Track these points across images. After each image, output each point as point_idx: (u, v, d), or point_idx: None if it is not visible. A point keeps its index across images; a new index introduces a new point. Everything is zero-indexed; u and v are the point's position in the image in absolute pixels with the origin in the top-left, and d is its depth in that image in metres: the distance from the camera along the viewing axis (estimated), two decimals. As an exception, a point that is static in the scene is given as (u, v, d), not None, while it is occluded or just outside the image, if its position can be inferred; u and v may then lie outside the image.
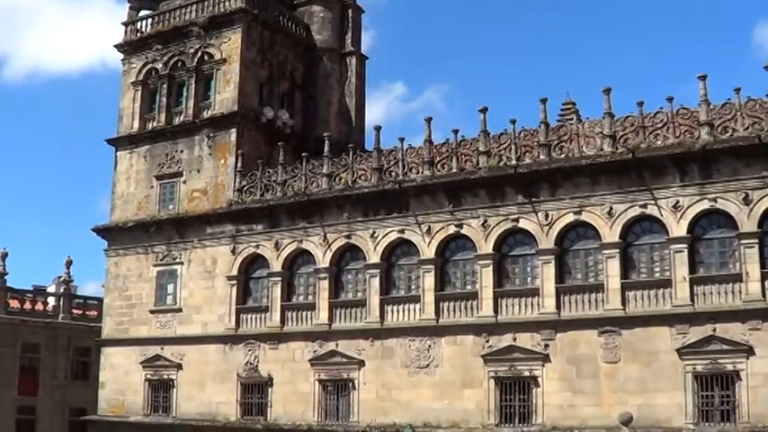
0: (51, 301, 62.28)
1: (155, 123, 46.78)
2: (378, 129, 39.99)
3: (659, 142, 33.25)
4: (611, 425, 30.95)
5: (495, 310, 35.18)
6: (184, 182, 44.59)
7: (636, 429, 29.98)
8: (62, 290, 62.23)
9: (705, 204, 32.10)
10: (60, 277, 63.59)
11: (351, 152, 40.09)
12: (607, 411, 32.25)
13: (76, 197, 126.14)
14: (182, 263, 43.64)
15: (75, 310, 61.90)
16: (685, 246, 32.28)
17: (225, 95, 44.34)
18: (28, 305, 60.49)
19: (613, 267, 33.33)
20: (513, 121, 36.30)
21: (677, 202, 32.42)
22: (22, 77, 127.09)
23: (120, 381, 44.87)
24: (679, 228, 32.33)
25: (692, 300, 31.95)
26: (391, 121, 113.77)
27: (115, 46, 49.00)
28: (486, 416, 34.59)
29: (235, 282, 41.59)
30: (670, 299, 32.37)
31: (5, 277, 58.91)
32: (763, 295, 30.88)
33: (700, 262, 32.44)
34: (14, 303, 59.63)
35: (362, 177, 39.22)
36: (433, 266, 36.65)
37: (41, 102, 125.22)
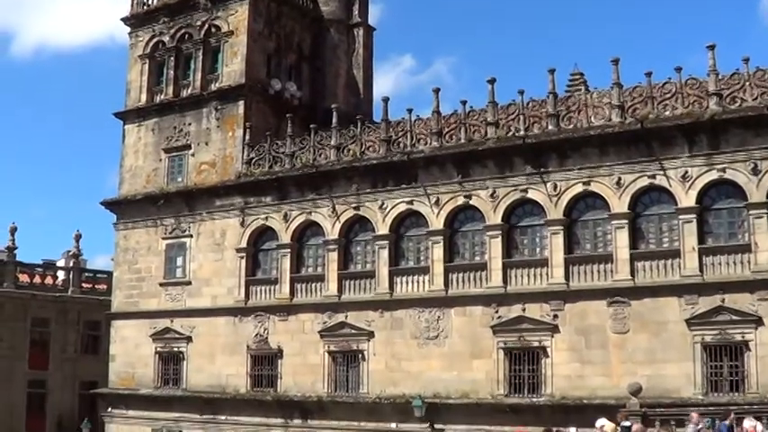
0: (61, 275, 62.50)
1: (162, 96, 46.69)
2: (386, 100, 39.83)
3: (668, 112, 33.13)
4: (621, 395, 30.87)
5: (504, 281, 35.21)
6: (192, 154, 44.54)
7: (645, 399, 29.87)
8: (72, 264, 62.36)
9: (714, 175, 32.00)
10: (70, 251, 63.72)
11: (359, 124, 39.98)
12: (616, 382, 32.28)
13: (85, 171, 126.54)
14: (191, 235, 43.67)
15: (84, 284, 62.06)
16: (694, 216, 32.20)
17: (232, 68, 44.23)
18: (38, 279, 60.76)
19: (622, 238, 33.28)
20: (522, 92, 36.18)
21: (686, 172, 32.33)
22: (29, 53, 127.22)
23: (131, 354, 45.06)
24: (688, 198, 32.25)
25: (701, 270, 31.90)
26: (400, 93, 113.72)
27: (122, 19, 48.86)
28: (495, 386, 34.69)
29: (244, 254, 41.61)
30: (679, 269, 32.32)
31: (15, 252, 59.07)
32: (772, 265, 30.83)
33: (708, 232, 32.39)
34: (24, 278, 59.84)
35: (371, 149, 39.16)
36: (441, 237, 36.62)
37: (49, 77, 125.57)
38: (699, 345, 31.46)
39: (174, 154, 45.32)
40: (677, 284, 32.16)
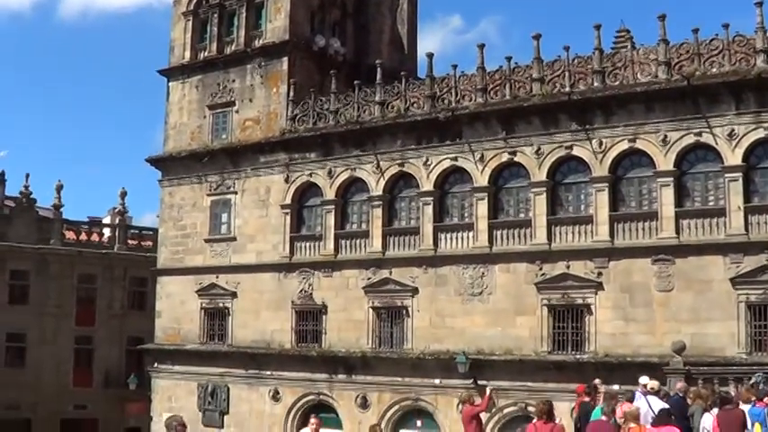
0: (107, 232, 63.15)
1: (206, 53, 46.53)
2: (430, 56, 39.50)
3: (714, 70, 32.65)
4: (664, 353, 30.74)
5: (549, 238, 35.08)
6: (237, 111, 44.50)
7: (688, 358, 29.75)
8: (117, 221, 62.92)
9: (761, 133, 31.59)
10: (115, 208, 64.26)
11: (403, 80, 39.76)
12: (660, 340, 32.19)
13: (131, 129, 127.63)
14: (235, 192, 43.75)
15: (130, 241, 62.75)
16: (740, 174, 31.85)
17: (276, 24, 44.03)
18: (84, 236, 61.54)
19: (667, 195, 33.01)
20: (567, 48, 35.88)
21: (732, 130, 31.94)
22: (76, 15, 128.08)
23: (176, 309, 45.49)
24: (734, 156, 31.89)
25: (747, 229, 31.61)
26: (445, 53, 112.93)
27: (165, -25, 48.91)
28: (539, 343, 34.74)
29: (288, 210, 41.64)
30: (724, 228, 32.04)
31: (61, 209, 59.77)
32: (819, 225, 30.58)
33: (754, 191, 32.05)
34: (70, 235, 60.63)
35: (415, 105, 38.97)
36: (486, 194, 36.50)
37: (96, 38, 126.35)
38: (743, 304, 31.23)
39: (219, 111, 45.30)
40: (722, 243, 31.89)
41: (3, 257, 56.67)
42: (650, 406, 18.60)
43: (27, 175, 59.18)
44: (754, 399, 19.70)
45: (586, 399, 21.25)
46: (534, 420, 18.93)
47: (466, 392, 27.05)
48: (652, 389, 20.03)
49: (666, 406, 18.54)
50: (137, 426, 53.98)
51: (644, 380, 20.77)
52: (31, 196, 59.04)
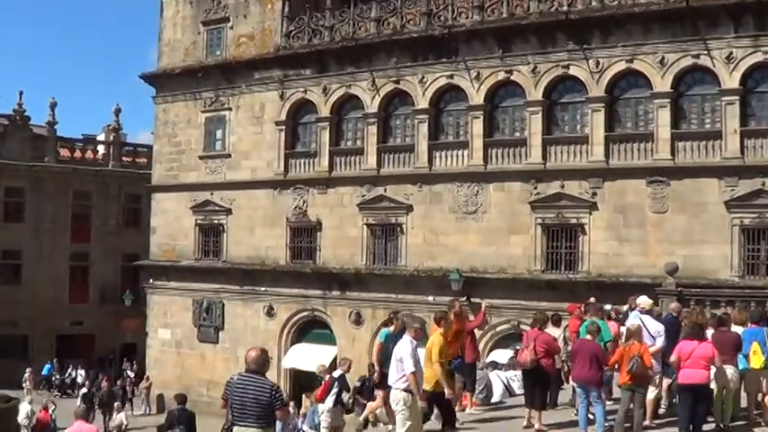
0: (101, 149, 62.91)
1: (200, -32, 46.00)
2: (427, -27, 39.10)
3: (714, -9, 32.49)
4: (657, 274, 30.94)
5: (544, 157, 35.00)
6: (231, 27, 44.01)
7: (681, 279, 29.86)
8: (112, 138, 62.70)
9: (759, 57, 31.34)
10: (110, 125, 63.95)
11: (400, -4, 39.30)
12: (653, 261, 32.30)
13: (126, 45, 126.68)
14: (230, 108, 43.56)
15: (125, 158, 62.70)
16: (737, 98, 31.73)
17: (271, -63, 43.38)
18: (78, 154, 61.46)
19: (664, 117, 32.90)
20: (567, -34, 35.54)
21: (731, 53, 31.68)
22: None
23: (171, 226, 45.66)
24: (731, 79, 31.68)
25: (742, 152, 31.62)
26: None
27: None
28: (532, 262, 34.89)
29: (283, 127, 41.53)
30: (720, 151, 32.01)
31: (55, 127, 59.54)
32: (815, 148, 30.49)
33: (751, 115, 31.99)
34: (65, 152, 60.54)
35: (411, 22, 38.53)
36: (481, 112, 36.33)
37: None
38: (737, 227, 31.38)
39: (213, 27, 44.81)
40: (718, 166, 31.93)
41: (-3, 175, 56.71)
42: (644, 325, 18.46)
43: (21, 93, 59.01)
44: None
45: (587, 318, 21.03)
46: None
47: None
48: (643, 308, 19.86)
49: (661, 325, 18.45)
50: (133, 342, 54.34)
51: (642, 299, 20.62)
52: (25, 114, 58.81)
